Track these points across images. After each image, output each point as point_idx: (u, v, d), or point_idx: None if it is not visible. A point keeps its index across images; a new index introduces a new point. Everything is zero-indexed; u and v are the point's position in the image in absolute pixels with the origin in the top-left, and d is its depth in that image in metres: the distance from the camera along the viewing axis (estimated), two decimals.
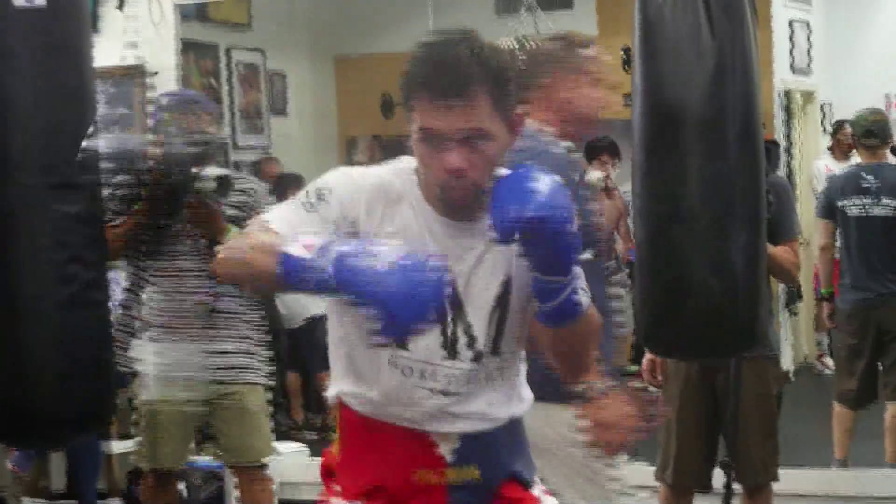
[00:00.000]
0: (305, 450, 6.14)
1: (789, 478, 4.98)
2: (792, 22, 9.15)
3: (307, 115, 9.48)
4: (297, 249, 2.08)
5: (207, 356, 4.40)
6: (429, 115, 2.20)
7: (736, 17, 3.72)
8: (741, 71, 3.73)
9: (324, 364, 2.50)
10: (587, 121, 3.30)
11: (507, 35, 6.93)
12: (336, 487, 2.43)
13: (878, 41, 9.49)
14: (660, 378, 4.47)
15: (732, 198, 3.74)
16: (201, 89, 7.80)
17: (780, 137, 8.71)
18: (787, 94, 9.00)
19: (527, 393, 2.48)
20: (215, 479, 5.83)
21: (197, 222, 4.35)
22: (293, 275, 2.08)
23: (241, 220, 4.22)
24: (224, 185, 4.29)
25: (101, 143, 3.98)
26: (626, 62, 4.78)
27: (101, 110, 5.55)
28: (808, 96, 9.57)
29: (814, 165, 9.17)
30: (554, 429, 3.14)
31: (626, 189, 5.83)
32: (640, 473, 4.44)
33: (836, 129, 8.84)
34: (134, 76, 6.71)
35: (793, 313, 8.99)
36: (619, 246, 7.18)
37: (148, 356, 4.42)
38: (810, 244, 7.34)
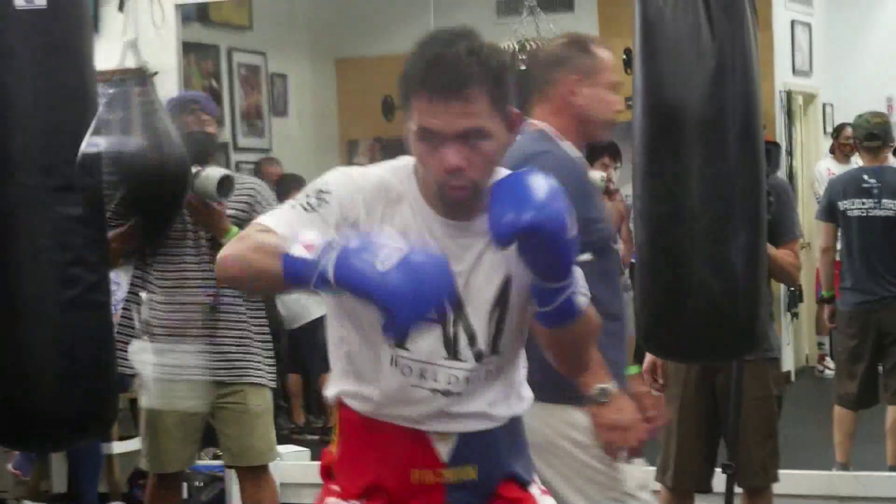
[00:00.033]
0: (306, 452, 6.14)
1: (790, 480, 4.97)
2: (793, 24, 9.15)
3: (308, 117, 9.49)
4: (298, 250, 2.09)
5: (209, 357, 4.40)
6: (427, 113, 2.20)
7: (736, 17, 3.72)
8: (741, 71, 3.73)
9: (325, 366, 2.50)
10: (601, 124, 3.29)
11: (508, 36, 6.93)
12: (335, 487, 2.43)
13: (879, 43, 9.49)
14: (661, 381, 4.47)
15: (733, 198, 3.73)
16: (202, 91, 7.80)
17: (782, 139, 8.71)
18: (789, 95, 9.00)
19: (526, 392, 2.47)
20: (216, 482, 5.83)
21: (199, 222, 4.36)
22: (295, 275, 2.09)
23: (243, 220, 4.22)
24: (226, 185, 4.29)
25: (103, 143, 3.98)
26: (628, 64, 4.78)
27: (102, 112, 5.55)
28: (809, 98, 9.57)
29: (815, 168, 9.18)
30: (556, 429, 3.14)
31: (627, 192, 5.83)
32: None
33: (838, 131, 8.85)
34: (134, 78, 6.71)
35: (794, 315, 9.00)
36: (621, 248, 7.17)
37: (150, 358, 4.42)
38: (812, 246, 7.35)
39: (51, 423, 3.86)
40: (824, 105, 9.73)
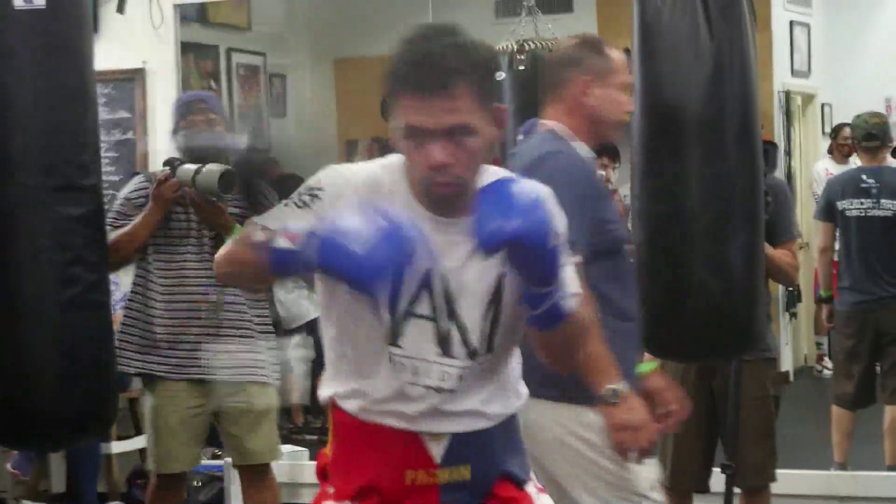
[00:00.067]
0: (305, 451, 6.14)
1: (789, 480, 4.98)
2: (792, 24, 9.15)
3: (307, 117, 9.48)
4: (282, 242, 2.16)
5: (213, 356, 4.40)
6: (412, 110, 2.21)
7: (734, 18, 3.73)
8: (739, 72, 3.74)
9: (324, 366, 2.51)
10: (613, 125, 3.30)
11: (507, 37, 6.93)
12: (329, 489, 2.43)
13: (878, 44, 9.49)
14: None
15: (732, 198, 3.74)
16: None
17: (780, 140, 8.71)
18: (787, 96, 9.00)
19: (522, 389, 2.48)
20: (215, 481, 5.83)
21: (203, 220, 4.37)
22: (280, 264, 2.18)
23: (245, 218, 4.22)
24: (227, 180, 4.28)
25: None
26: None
27: (102, 113, 5.56)
28: (808, 99, 9.58)
29: (813, 168, 9.18)
30: (568, 429, 3.14)
31: (625, 192, 5.83)
32: None
33: (836, 132, 8.84)
34: (134, 78, 6.72)
35: (793, 315, 9.00)
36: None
37: (154, 356, 4.42)
38: (810, 246, 7.35)
39: (51, 423, 3.86)
40: (823, 105, 9.73)
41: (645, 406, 3.11)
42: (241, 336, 4.44)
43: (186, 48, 7.23)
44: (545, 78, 3.34)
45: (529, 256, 2.17)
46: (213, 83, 8.37)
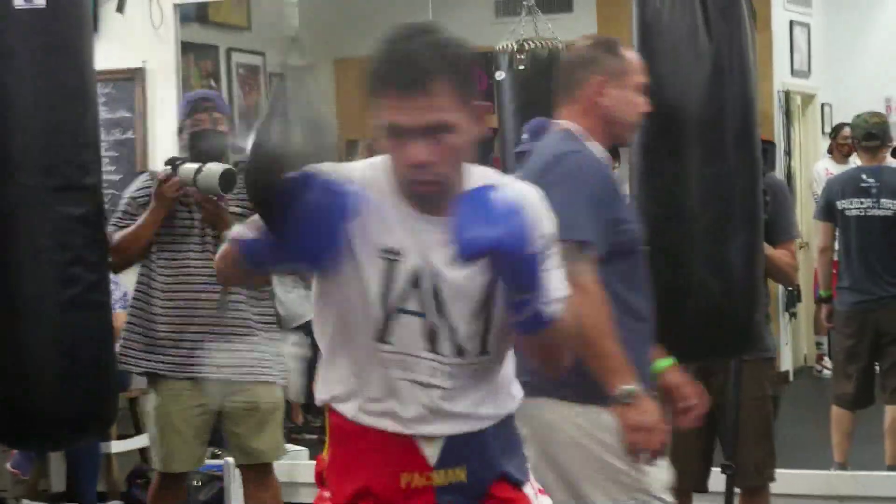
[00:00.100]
0: (305, 451, 6.15)
1: (789, 480, 4.98)
2: (792, 24, 9.16)
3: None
4: (249, 233, 2.27)
5: (215, 355, 4.40)
6: (391, 109, 2.22)
7: (733, 18, 3.73)
8: (738, 72, 3.74)
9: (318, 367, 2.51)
10: (627, 125, 3.30)
11: (506, 37, 6.92)
12: (325, 494, 2.44)
13: (878, 44, 9.49)
14: None
15: (731, 198, 3.74)
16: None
17: (780, 140, 8.71)
18: (787, 96, 9.00)
19: (516, 390, 2.47)
20: (215, 481, 5.82)
21: (206, 219, 4.37)
22: (250, 256, 2.29)
23: (247, 217, 4.21)
24: (228, 179, 4.28)
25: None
26: None
27: (102, 112, 5.56)
28: (807, 98, 9.58)
29: (813, 168, 9.18)
30: (581, 429, 3.14)
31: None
32: None
33: (836, 132, 8.85)
34: (134, 78, 6.72)
35: (792, 315, 9.00)
36: None
37: (158, 355, 4.42)
38: (810, 246, 7.35)
39: (51, 423, 3.87)
40: (823, 105, 9.74)
41: (661, 405, 3.11)
42: (244, 335, 4.43)
43: (186, 48, 7.23)
44: (559, 78, 3.34)
45: (507, 264, 2.17)
46: (213, 83, 8.37)
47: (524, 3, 6.82)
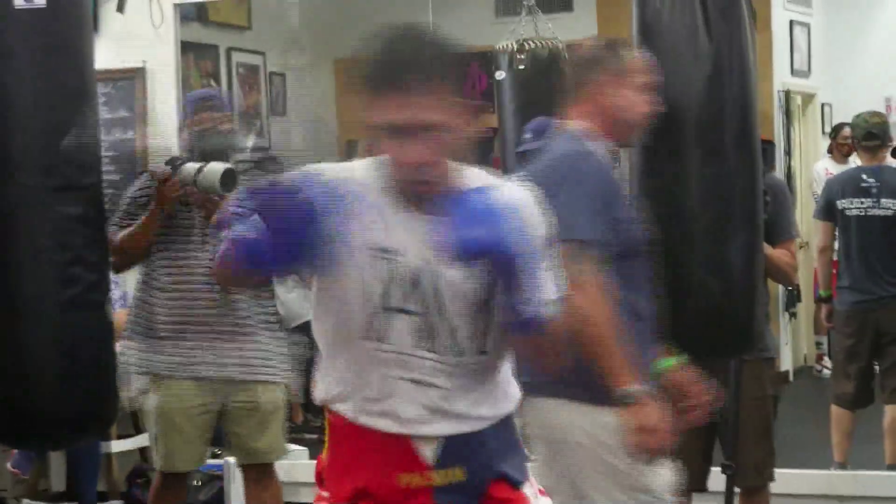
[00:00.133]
0: (305, 451, 6.14)
1: (789, 479, 4.98)
2: (792, 24, 9.16)
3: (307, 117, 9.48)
4: (233, 234, 2.26)
5: (217, 355, 4.39)
6: (378, 109, 2.23)
7: (733, 19, 3.74)
8: (738, 73, 3.75)
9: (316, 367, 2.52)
10: (634, 125, 3.30)
11: (506, 36, 6.92)
12: (324, 494, 2.44)
13: (878, 43, 9.49)
14: None
15: (731, 199, 3.75)
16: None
17: (780, 139, 8.72)
18: (787, 95, 9.00)
19: (513, 390, 2.48)
20: (215, 480, 5.82)
21: (206, 218, 4.37)
22: (248, 257, 2.25)
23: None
24: (229, 178, 4.28)
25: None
26: None
27: (102, 112, 5.56)
28: (807, 98, 9.58)
29: (813, 168, 9.18)
30: (584, 429, 3.14)
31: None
32: None
33: (836, 131, 8.85)
34: (134, 78, 6.72)
35: (792, 315, 9.00)
36: None
37: (159, 355, 4.42)
38: (810, 246, 7.35)
39: (51, 423, 3.86)
40: (823, 105, 9.74)
41: (667, 403, 3.12)
42: (246, 334, 4.42)
43: (186, 47, 7.23)
44: (566, 78, 3.35)
45: (501, 266, 2.18)
46: (212, 82, 8.37)
47: (524, 2, 6.82)
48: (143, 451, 6.18)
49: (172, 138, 5.40)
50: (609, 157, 3.25)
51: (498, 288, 2.24)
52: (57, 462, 6.04)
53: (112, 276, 4.31)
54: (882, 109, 8.00)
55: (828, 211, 6.24)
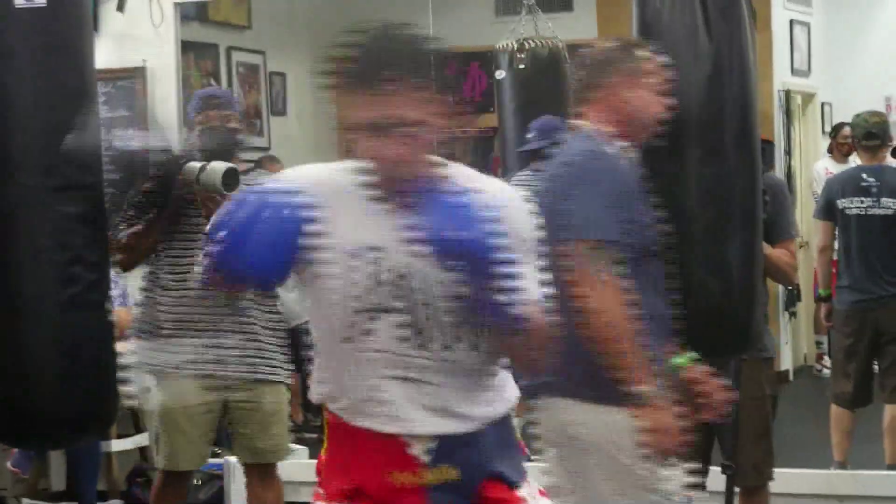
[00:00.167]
0: (305, 450, 6.14)
1: (788, 479, 4.98)
2: (792, 23, 9.16)
3: (307, 116, 9.49)
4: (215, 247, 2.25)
5: (220, 354, 4.39)
6: (351, 105, 2.23)
7: (733, 19, 3.74)
8: (738, 73, 3.75)
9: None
10: (648, 125, 3.30)
11: (506, 36, 6.93)
12: (321, 491, 2.44)
13: (878, 43, 9.50)
14: None
15: (730, 199, 3.75)
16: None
17: (780, 139, 8.72)
18: (787, 95, 9.01)
19: (510, 392, 2.47)
20: (215, 480, 5.83)
21: (207, 216, 4.37)
22: (223, 268, 2.25)
23: None
24: (231, 178, 4.28)
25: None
26: None
27: (102, 111, 5.56)
28: (807, 98, 9.58)
29: (813, 167, 9.18)
30: (597, 430, 3.14)
31: None
32: None
33: (836, 131, 8.85)
34: (134, 77, 6.73)
35: (792, 315, 9.00)
36: None
37: (163, 353, 4.42)
38: (810, 245, 7.35)
39: (51, 423, 3.87)
40: (823, 105, 9.74)
41: (682, 401, 3.12)
42: (248, 332, 4.43)
43: (186, 47, 7.23)
44: (579, 78, 3.35)
45: (478, 265, 2.16)
46: (212, 82, 8.38)
47: (524, 2, 6.83)
48: (143, 450, 6.18)
49: (174, 137, 5.40)
50: (625, 156, 3.25)
51: (476, 285, 2.22)
52: (57, 461, 6.04)
53: (111, 274, 4.32)
54: (882, 109, 8.00)
55: (828, 210, 6.24)
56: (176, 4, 6.69)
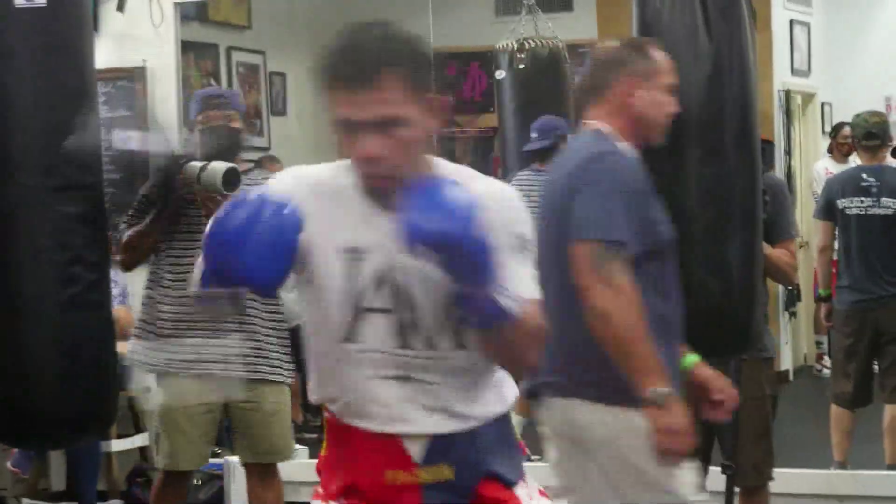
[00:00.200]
0: (305, 450, 6.15)
1: (788, 479, 4.98)
2: (792, 23, 9.17)
3: (307, 116, 9.49)
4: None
5: (221, 354, 4.39)
6: (341, 103, 2.23)
7: (733, 19, 3.74)
8: (738, 73, 3.75)
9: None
10: (657, 126, 3.30)
11: (506, 36, 6.93)
12: (319, 489, 2.45)
13: (878, 43, 9.50)
14: None
15: (730, 199, 3.75)
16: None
17: (780, 139, 8.72)
18: (787, 95, 9.01)
19: (508, 392, 2.46)
20: (215, 479, 5.83)
21: (208, 216, 4.36)
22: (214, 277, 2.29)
23: None
24: (231, 177, 4.28)
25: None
26: None
27: (102, 111, 5.56)
28: (807, 98, 9.59)
29: (813, 167, 9.19)
30: (610, 430, 3.14)
31: None
32: None
33: (836, 131, 8.86)
34: (134, 77, 6.73)
35: (792, 315, 9.00)
36: None
37: (164, 353, 4.42)
38: (810, 245, 7.35)
39: (51, 423, 3.86)
40: (823, 104, 9.75)
41: (690, 400, 3.11)
42: (249, 332, 4.42)
43: (186, 47, 7.23)
44: (588, 79, 3.35)
45: (454, 257, 2.14)
46: (212, 82, 8.38)
47: (524, 2, 6.83)
48: (143, 450, 6.18)
49: (174, 137, 5.40)
50: (635, 156, 3.25)
51: (458, 279, 2.19)
52: (57, 461, 6.05)
53: (111, 273, 4.32)
54: (882, 109, 8.01)
55: (828, 210, 6.24)
56: (176, 4, 6.70)
